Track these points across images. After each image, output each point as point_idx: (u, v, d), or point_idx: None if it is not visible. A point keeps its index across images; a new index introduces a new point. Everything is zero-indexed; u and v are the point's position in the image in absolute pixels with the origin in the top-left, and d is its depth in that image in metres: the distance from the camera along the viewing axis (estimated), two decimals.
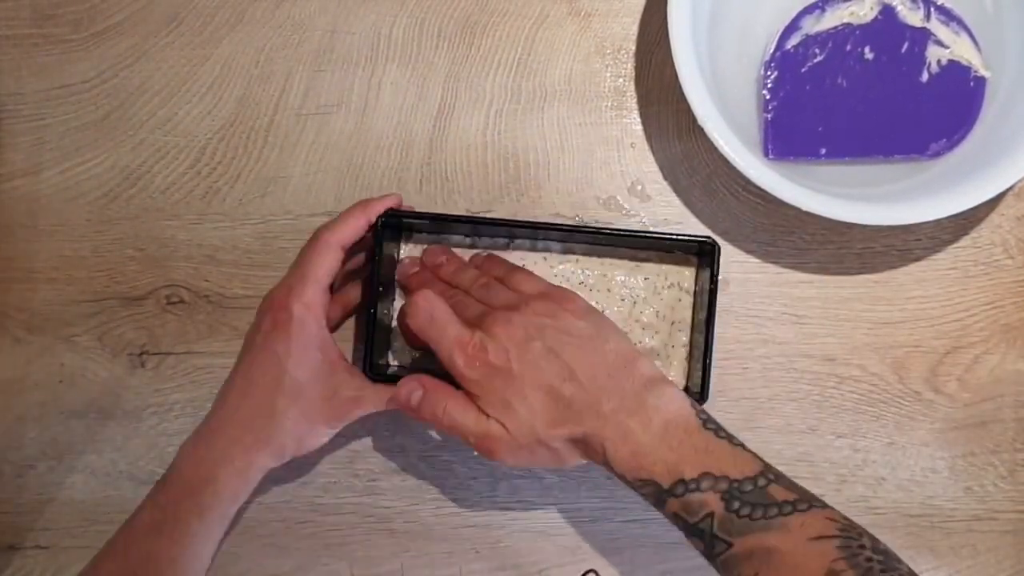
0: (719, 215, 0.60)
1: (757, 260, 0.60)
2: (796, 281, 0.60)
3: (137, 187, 0.60)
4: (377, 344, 0.55)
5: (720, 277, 0.59)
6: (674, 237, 0.56)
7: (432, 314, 0.50)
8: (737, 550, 0.44)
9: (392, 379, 0.53)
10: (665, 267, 0.58)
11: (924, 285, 0.60)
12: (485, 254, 0.58)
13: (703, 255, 0.57)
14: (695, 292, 0.58)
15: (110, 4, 0.60)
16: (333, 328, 0.57)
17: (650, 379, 0.48)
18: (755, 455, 0.47)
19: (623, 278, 0.58)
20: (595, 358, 0.48)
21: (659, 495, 0.46)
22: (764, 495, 0.45)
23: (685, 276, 0.58)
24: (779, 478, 0.46)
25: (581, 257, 0.58)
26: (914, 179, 0.59)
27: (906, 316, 0.60)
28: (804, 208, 0.54)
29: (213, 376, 0.60)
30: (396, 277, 0.58)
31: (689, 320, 0.58)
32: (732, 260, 0.60)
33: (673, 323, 0.58)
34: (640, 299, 0.58)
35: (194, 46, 0.60)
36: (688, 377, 0.58)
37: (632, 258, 0.58)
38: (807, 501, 0.45)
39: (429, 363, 0.56)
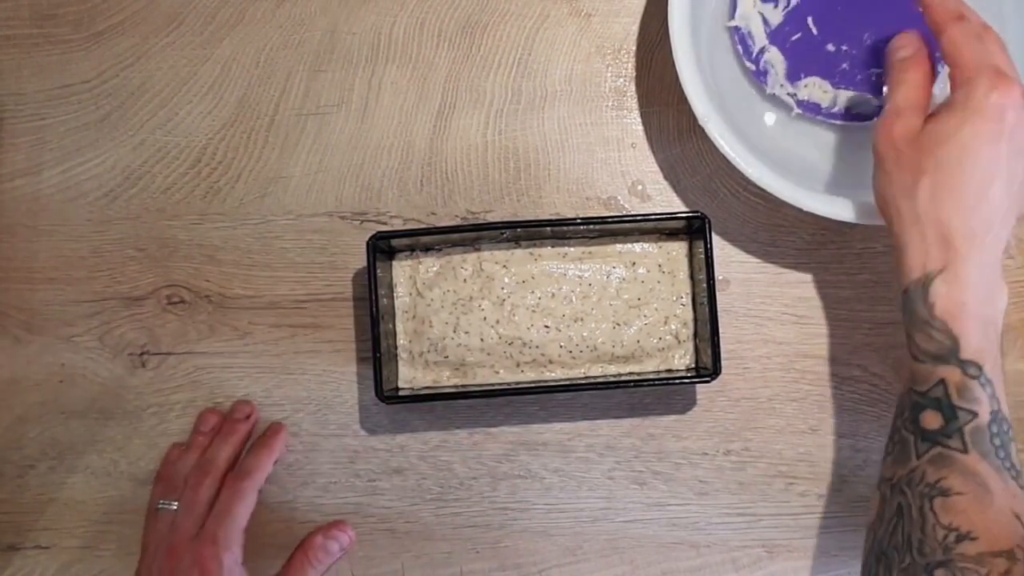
0: (719, 215, 0.60)
1: (757, 260, 0.60)
2: (796, 281, 0.60)
3: (138, 187, 0.60)
4: (386, 366, 0.55)
5: (720, 277, 0.59)
6: (662, 216, 0.56)
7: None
8: (964, 461, 0.42)
9: (405, 401, 0.56)
10: (658, 251, 0.58)
11: None
12: None
13: (694, 232, 0.57)
14: (691, 271, 0.58)
15: (110, 4, 0.60)
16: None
17: None
18: None
19: (618, 269, 0.58)
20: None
21: (950, 353, 0.44)
22: (1011, 445, 0.43)
23: (680, 257, 0.58)
24: None
25: (571, 250, 0.58)
26: None
27: None
28: (804, 208, 0.54)
29: (213, 376, 0.60)
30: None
31: (690, 302, 0.58)
32: (732, 260, 0.60)
33: (673, 307, 0.58)
34: (637, 286, 0.58)
35: (195, 46, 0.60)
36: (698, 355, 0.58)
37: (624, 245, 0.58)
38: None
39: (438, 389, 0.58)
